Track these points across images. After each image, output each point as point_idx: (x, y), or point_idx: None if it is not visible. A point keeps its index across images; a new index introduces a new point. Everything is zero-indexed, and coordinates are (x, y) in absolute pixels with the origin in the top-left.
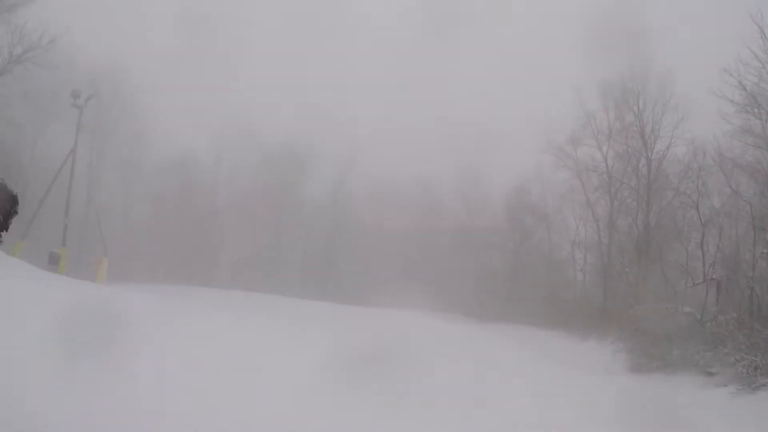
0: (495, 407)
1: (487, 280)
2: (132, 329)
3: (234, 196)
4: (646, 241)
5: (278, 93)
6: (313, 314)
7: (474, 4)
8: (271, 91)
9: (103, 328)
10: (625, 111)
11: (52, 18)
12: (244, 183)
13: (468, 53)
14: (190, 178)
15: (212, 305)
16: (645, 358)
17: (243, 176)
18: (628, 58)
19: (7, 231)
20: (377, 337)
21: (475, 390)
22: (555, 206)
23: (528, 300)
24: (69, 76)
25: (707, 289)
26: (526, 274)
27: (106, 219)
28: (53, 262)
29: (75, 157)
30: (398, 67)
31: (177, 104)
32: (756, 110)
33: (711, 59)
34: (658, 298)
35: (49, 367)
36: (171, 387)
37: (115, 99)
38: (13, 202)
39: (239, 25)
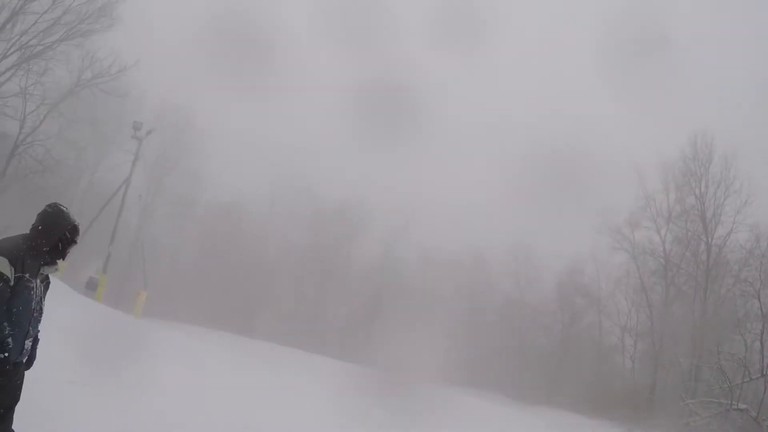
0: None
1: (531, 360)
2: (149, 364)
3: (283, 248)
4: (702, 330)
5: (338, 152)
6: (338, 374)
7: (527, 78)
8: (330, 149)
9: (123, 361)
10: (686, 193)
11: (125, 49)
12: (295, 236)
13: (526, 126)
14: (242, 224)
15: (238, 354)
16: None
17: (294, 229)
18: (692, 138)
19: (64, 260)
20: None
21: None
22: (608, 289)
23: (573, 384)
24: (136, 108)
25: (765, 384)
26: (573, 357)
27: (154, 254)
28: (91, 288)
29: (128, 187)
30: (455, 138)
31: (237, 149)
32: None
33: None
34: (712, 393)
35: (67, 389)
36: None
37: (177, 137)
38: (73, 231)
39: (306, 80)
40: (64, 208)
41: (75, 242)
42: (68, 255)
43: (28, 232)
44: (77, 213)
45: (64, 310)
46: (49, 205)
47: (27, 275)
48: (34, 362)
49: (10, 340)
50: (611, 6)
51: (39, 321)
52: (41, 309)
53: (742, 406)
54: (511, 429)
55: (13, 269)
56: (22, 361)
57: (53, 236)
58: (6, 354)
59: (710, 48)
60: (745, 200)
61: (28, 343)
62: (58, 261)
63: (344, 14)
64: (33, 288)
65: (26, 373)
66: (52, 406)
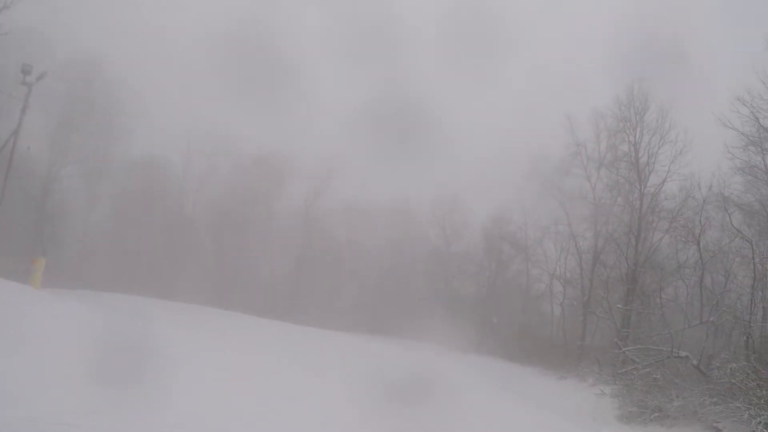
0: None
1: (459, 309)
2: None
3: (202, 205)
4: (635, 277)
5: (257, 101)
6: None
7: (459, 24)
8: (249, 98)
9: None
10: (619, 141)
11: None
12: (213, 191)
13: (451, 72)
14: (158, 181)
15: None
16: (636, 407)
17: (212, 184)
18: (627, 84)
19: None
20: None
21: None
22: (536, 237)
23: (501, 332)
24: (37, 56)
25: (707, 332)
26: (501, 306)
27: (61, 218)
28: None
29: (16, 141)
30: (379, 86)
31: (151, 102)
32: None
33: (712, 92)
34: (651, 340)
35: None
36: None
37: (85, 90)
38: None
39: (219, 26)
40: None
41: None
42: None
43: None
44: None
45: None
46: None
47: None
48: None
49: None
50: None
51: None
52: None
53: (683, 353)
54: (443, 377)
55: None
56: None
57: None
58: None
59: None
60: (680, 149)
61: None
62: None
63: None
64: None
65: None
66: None
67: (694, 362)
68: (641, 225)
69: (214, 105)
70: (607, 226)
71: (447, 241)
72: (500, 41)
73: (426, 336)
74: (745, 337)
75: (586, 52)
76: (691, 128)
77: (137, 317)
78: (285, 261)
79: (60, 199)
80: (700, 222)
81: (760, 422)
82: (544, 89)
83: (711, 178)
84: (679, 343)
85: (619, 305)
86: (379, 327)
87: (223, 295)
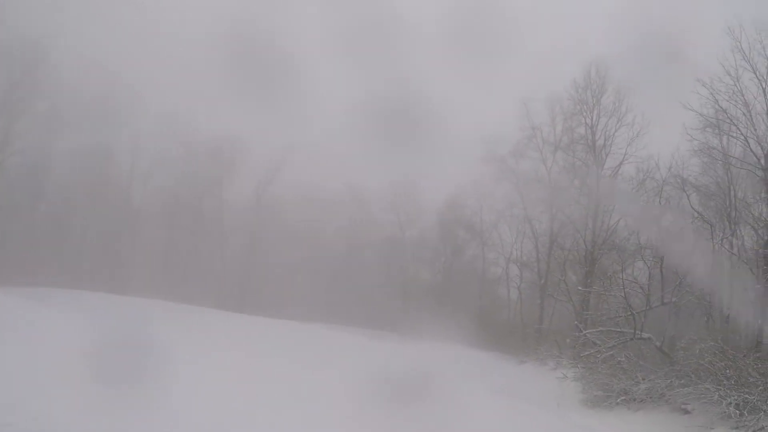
0: None
1: (415, 295)
2: None
3: (151, 194)
4: (593, 258)
5: (204, 83)
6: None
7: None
8: (196, 81)
9: None
10: (575, 123)
11: None
12: (163, 180)
13: (407, 51)
14: (107, 171)
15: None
16: (601, 391)
17: (161, 173)
18: (586, 68)
19: None
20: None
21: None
22: (491, 221)
23: (458, 317)
24: None
25: (669, 314)
26: (457, 291)
27: (7, 209)
28: None
29: None
30: (332, 69)
31: (97, 86)
32: (727, 126)
33: (670, 75)
34: (614, 322)
35: None
36: None
37: (27, 75)
38: None
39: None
40: None
41: None
42: None
43: None
44: None
45: None
46: None
47: None
48: None
49: None
50: None
51: None
52: None
53: (645, 335)
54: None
55: None
56: None
57: None
58: None
59: None
60: (637, 132)
61: None
62: None
63: None
64: None
65: None
66: None
67: (657, 344)
68: (598, 207)
69: (176, 95)
70: (563, 208)
71: (401, 228)
72: (480, 27)
73: (382, 324)
74: (705, 318)
75: (550, 37)
76: (656, 111)
77: (110, 317)
78: (237, 250)
79: (4, 190)
80: (660, 203)
81: (731, 403)
82: (508, 73)
83: (670, 160)
84: (641, 325)
85: (579, 287)
86: (334, 316)
87: (174, 286)
